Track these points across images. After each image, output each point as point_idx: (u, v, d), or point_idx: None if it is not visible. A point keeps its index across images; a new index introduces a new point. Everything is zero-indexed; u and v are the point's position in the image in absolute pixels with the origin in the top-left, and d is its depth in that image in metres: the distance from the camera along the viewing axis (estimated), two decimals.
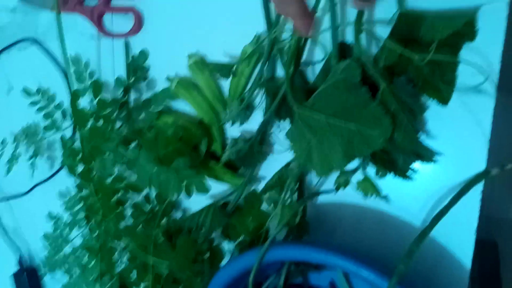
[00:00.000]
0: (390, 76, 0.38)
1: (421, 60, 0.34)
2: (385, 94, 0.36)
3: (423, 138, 0.41)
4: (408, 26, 0.36)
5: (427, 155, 0.39)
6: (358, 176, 0.43)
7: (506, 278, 1.13)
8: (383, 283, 0.36)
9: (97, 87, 0.54)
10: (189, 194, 0.47)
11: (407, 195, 0.43)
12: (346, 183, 0.42)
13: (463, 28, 0.34)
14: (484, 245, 1.18)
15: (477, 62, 0.37)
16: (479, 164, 0.40)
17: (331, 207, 0.48)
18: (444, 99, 0.37)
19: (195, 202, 0.53)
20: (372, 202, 0.45)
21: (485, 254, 1.18)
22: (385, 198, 0.42)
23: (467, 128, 0.40)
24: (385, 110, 0.36)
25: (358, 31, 0.38)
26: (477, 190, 0.41)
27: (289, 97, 0.40)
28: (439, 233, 0.42)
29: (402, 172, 0.40)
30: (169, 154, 0.47)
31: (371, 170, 0.43)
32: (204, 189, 0.47)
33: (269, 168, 0.50)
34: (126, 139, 0.51)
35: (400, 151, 0.38)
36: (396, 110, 0.37)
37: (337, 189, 0.43)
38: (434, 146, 0.41)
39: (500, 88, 0.38)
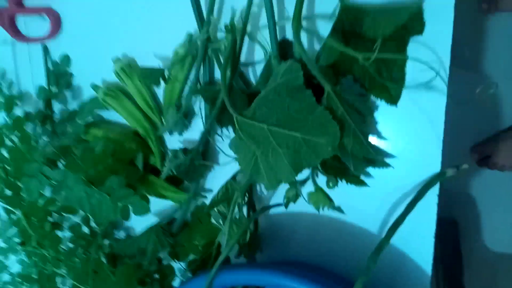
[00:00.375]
0: (336, 75, 0.34)
1: (366, 59, 0.31)
2: (331, 97, 0.33)
3: (374, 140, 0.38)
4: (350, 21, 0.32)
5: (378, 160, 0.36)
6: (309, 187, 0.39)
7: (466, 253, 1.16)
8: None
9: (12, 99, 0.47)
10: (126, 218, 0.42)
11: (362, 201, 0.40)
12: (296, 197, 0.39)
13: (410, 21, 0.30)
14: (444, 223, 1.21)
15: (426, 57, 0.34)
16: (434, 164, 0.38)
17: (285, 217, 0.44)
18: (393, 99, 0.34)
19: (139, 220, 0.48)
20: (327, 210, 0.42)
21: (446, 233, 1.20)
22: (339, 209, 0.39)
23: (419, 127, 0.37)
24: (331, 115, 0.32)
25: (297, 28, 0.34)
26: (434, 192, 0.38)
27: (227, 105, 0.36)
28: (398, 239, 0.40)
29: (355, 178, 0.37)
30: (99, 173, 0.42)
31: (322, 179, 0.39)
32: (143, 210, 0.42)
33: (216, 180, 0.45)
34: (51, 159, 0.45)
35: (350, 157, 0.35)
36: (343, 114, 0.33)
37: (286, 204, 0.40)
38: (386, 147, 0.38)
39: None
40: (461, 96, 1.09)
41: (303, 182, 0.39)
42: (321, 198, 0.37)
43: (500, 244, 1.18)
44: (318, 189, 0.38)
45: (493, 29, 1.05)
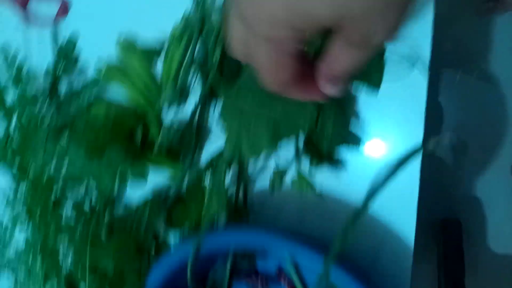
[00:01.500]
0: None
1: None
2: None
3: (356, 124, 0.40)
4: None
5: (357, 142, 0.38)
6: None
7: (469, 254, 1.15)
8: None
9: (20, 79, 0.50)
10: (124, 182, 0.44)
11: (350, 177, 0.42)
12: (281, 183, 0.41)
13: None
14: (448, 224, 1.21)
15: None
16: (417, 140, 0.39)
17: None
18: (375, 84, 0.36)
19: (136, 199, 0.51)
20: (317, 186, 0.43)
21: (449, 233, 1.20)
22: (320, 195, 0.41)
23: (402, 104, 0.39)
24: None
25: None
26: (415, 167, 0.40)
27: (215, 85, 0.39)
28: (380, 212, 0.41)
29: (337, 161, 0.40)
30: (99, 146, 0.45)
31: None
32: (141, 174, 0.45)
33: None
34: (56, 132, 0.48)
35: (329, 141, 0.38)
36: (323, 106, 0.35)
37: (271, 189, 0.42)
38: (369, 128, 0.40)
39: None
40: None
41: (287, 169, 0.42)
42: (304, 184, 0.40)
43: (504, 246, 1.18)
44: (301, 176, 0.40)
45: (497, 28, 1.06)
